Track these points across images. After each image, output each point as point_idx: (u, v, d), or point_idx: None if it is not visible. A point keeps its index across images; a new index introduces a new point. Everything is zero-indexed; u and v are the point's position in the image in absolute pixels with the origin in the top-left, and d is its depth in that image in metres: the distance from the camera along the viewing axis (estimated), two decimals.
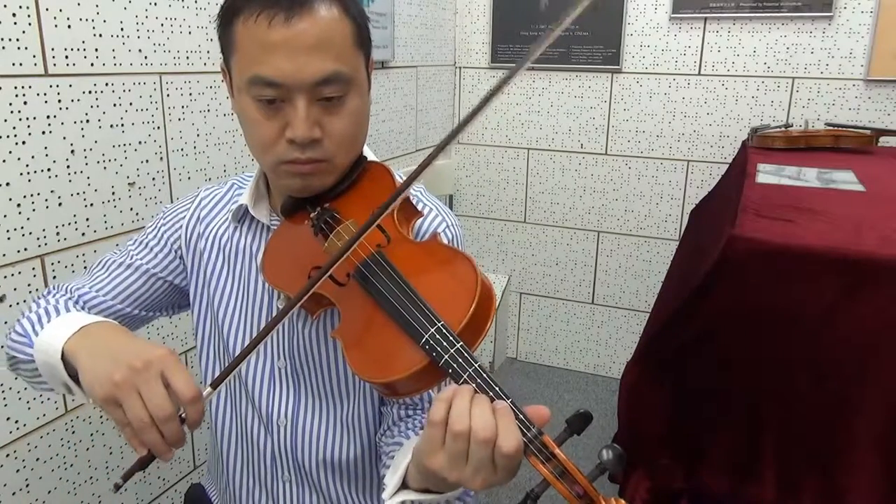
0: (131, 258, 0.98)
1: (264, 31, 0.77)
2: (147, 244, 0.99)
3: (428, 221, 0.92)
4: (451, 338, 0.66)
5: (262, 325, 0.94)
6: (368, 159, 0.91)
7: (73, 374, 0.78)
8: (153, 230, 1.00)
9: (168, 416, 0.67)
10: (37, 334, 0.83)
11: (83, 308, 0.93)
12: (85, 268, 1.32)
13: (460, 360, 0.65)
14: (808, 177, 1.77)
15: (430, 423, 0.65)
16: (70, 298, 0.94)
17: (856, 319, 1.18)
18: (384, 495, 0.74)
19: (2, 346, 1.19)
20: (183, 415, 0.69)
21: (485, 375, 0.65)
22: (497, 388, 0.64)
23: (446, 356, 0.65)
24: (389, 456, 0.85)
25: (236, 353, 0.94)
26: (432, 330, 0.67)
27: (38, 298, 0.95)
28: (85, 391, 0.76)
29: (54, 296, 0.94)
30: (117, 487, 0.70)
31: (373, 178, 0.89)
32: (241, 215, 0.96)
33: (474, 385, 0.65)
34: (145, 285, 0.98)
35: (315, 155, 0.82)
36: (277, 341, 0.93)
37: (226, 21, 0.82)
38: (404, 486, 0.73)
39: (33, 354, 0.83)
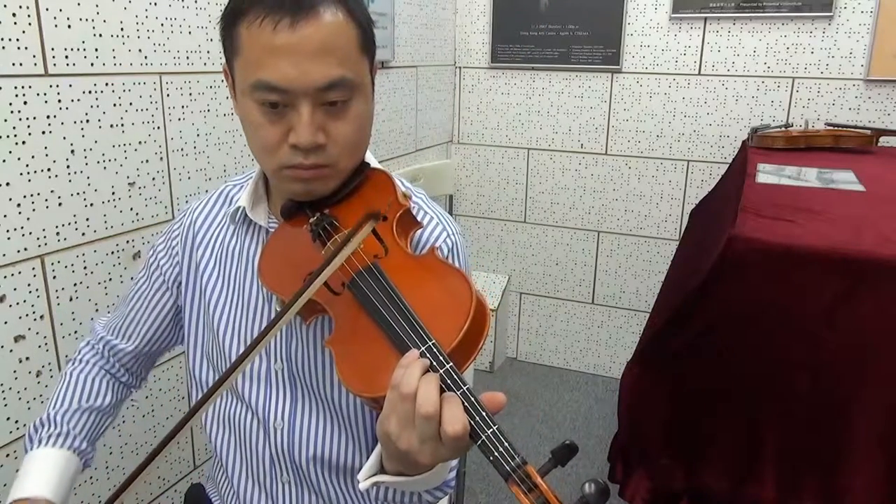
0: (136, 292, 1.04)
1: (269, 36, 0.76)
2: (149, 271, 1.04)
3: (428, 232, 0.91)
4: (441, 358, 0.65)
5: (258, 328, 0.93)
6: (371, 165, 0.90)
7: None
8: (149, 260, 1.04)
9: None
10: (25, 451, 0.95)
11: (112, 356, 1.06)
12: (85, 268, 1.33)
13: (449, 381, 0.64)
14: (808, 177, 1.77)
15: (390, 386, 0.66)
16: (96, 354, 1.06)
17: (856, 319, 1.18)
18: (359, 476, 0.74)
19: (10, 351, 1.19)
20: None
21: (472, 399, 0.63)
22: (483, 413, 0.63)
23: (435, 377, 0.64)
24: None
25: (233, 358, 0.94)
26: (423, 348, 0.66)
27: (72, 361, 1.06)
28: None
29: (81, 356, 1.06)
30: None
31: (374, 185, 0.88)
32: (239, 217, 0.95)
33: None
34: (151, 316, 1.04)
35: (319, 160, 0.81)
36: (274, 343, 0.93)
37: (229, 24, 0.81)
38: (382, 471, 0.74)
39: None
